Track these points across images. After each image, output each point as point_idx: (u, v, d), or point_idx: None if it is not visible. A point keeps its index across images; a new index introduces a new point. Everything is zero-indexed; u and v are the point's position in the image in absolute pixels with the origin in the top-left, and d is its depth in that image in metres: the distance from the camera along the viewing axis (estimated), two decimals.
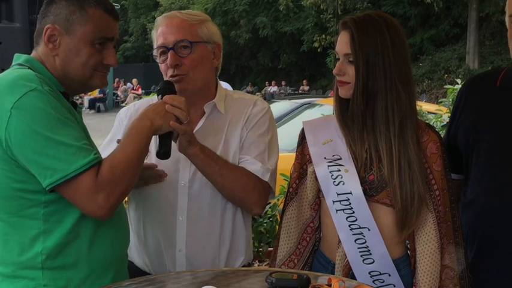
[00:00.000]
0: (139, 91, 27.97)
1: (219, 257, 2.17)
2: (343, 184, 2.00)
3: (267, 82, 32.86)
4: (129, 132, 1.81)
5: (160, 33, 2.14)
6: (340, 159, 2.03)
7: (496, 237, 2.13)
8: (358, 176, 2.00)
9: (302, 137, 2.15)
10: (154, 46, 2.17)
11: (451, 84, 4.97)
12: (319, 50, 29.08)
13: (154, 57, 2.18)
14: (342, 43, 2.01)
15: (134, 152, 1.77)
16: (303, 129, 2.16)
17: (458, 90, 4.55)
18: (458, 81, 4.73)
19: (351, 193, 1.99)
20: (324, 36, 28.81)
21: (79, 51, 1.83)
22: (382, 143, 1.98)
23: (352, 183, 1.99)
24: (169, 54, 2.10)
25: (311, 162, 2.09)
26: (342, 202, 2.00)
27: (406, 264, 2.04)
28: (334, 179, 2.01)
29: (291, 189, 2.16)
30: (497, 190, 2.12)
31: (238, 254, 2.21)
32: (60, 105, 1.74)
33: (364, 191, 1.98)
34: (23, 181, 1.73)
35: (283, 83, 31.93)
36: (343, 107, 2.07)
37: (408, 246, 2.06)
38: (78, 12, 1.82)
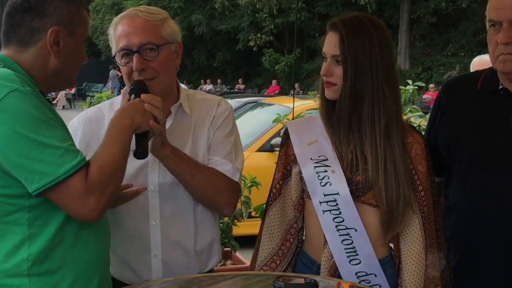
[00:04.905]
0: (73, 90, 27.13)
1: (195, 258, 2.13)
2: (330, 185, 1.99)
3: (202, 80, 32.63)
4: (111, 131, 1.76)
5: (121, 34, 2.04)
6: (326, 159, 2.03)
7: (479, 243, 2.16)
8: (345, 176, 2.00)
9: (286, 138, 2.13)
10: (115, 48, 2.07)
11: None
12: (254, 48, 29.20)
13: (114, 59, 2.09)
14: (331, 44, 2.00)
15: (119, 151, 1.73)
16: (286, 129, 2.14)
17: (412, 91, 4.73)
18: (410, 81, 4.82)
19: (338, 194, 1.98)
20: (259, 35, 28.97)
21: (78, 52, 1.83)
22: (368, 145, 1.99)
23: (339, 183, 1.99)
24: (134, 57, 2.02)
25: (296, 162, 2.08)
26: (329, 203, 1.99)
27: (390, 265, 2.06)
28: (321, 179, 2.01)
29: (274, 190, 2.13)
30: (479, 197, 2.15)
31: (212, 254, 2.18)
32: (42, 105, 1.67)
33: (351, 192, 1.98)
34: (5, 186, 1.65)
35: (218, 81, 31.76)
36: (328, 108, 2.06)
37: (392, 246, 2.08)
38: (77, 13, 1.80)
